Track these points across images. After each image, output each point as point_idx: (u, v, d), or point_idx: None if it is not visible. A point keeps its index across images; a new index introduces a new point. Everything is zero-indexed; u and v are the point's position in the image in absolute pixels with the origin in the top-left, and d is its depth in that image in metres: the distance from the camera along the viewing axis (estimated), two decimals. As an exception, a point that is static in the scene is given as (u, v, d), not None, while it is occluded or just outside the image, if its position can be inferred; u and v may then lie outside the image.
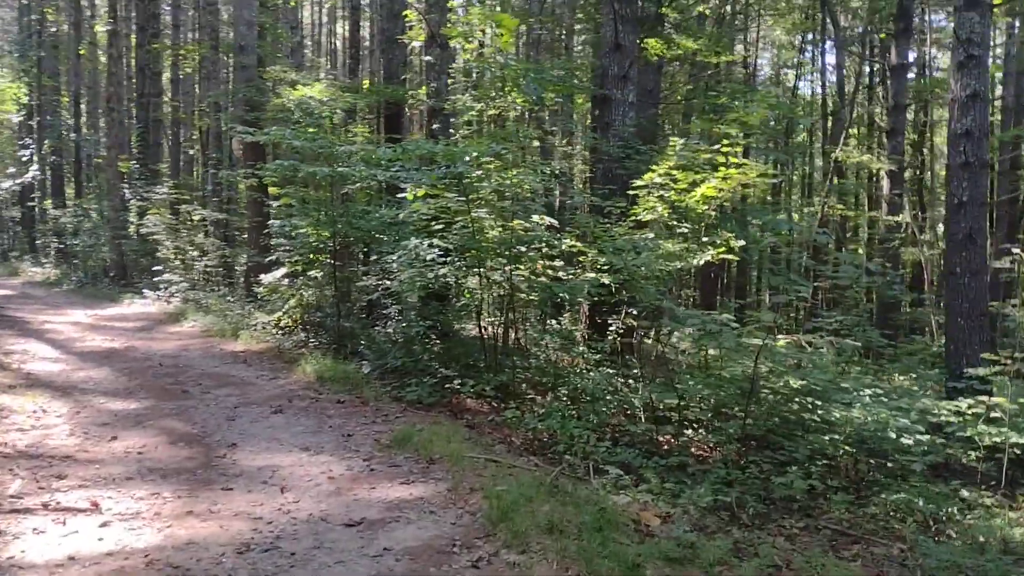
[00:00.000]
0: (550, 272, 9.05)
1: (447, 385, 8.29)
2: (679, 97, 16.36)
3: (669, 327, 9.09)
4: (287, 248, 12.21)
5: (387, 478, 5.62)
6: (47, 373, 9.22)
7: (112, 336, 12.35)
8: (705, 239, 7.83)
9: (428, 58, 14.08)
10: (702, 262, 7.56)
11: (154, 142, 26.90)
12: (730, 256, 7.50)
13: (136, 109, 27.27)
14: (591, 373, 8.36)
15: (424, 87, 14.84)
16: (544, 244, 9.13)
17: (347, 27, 30.77)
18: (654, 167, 8.18)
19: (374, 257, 11.44)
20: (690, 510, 5.37)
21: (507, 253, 8.52)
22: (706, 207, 7.99)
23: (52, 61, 30.00)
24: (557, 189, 9.00)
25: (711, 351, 8.62)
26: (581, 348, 9.16)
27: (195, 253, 18.11)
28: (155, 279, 17.07)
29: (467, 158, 8.19)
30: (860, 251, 21.29)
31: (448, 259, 8.69)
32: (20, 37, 29.81)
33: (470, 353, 9.72)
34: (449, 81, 14.78)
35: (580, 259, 9.35)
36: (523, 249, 8.83)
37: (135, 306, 16.76)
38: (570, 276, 9.09)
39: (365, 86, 18.84)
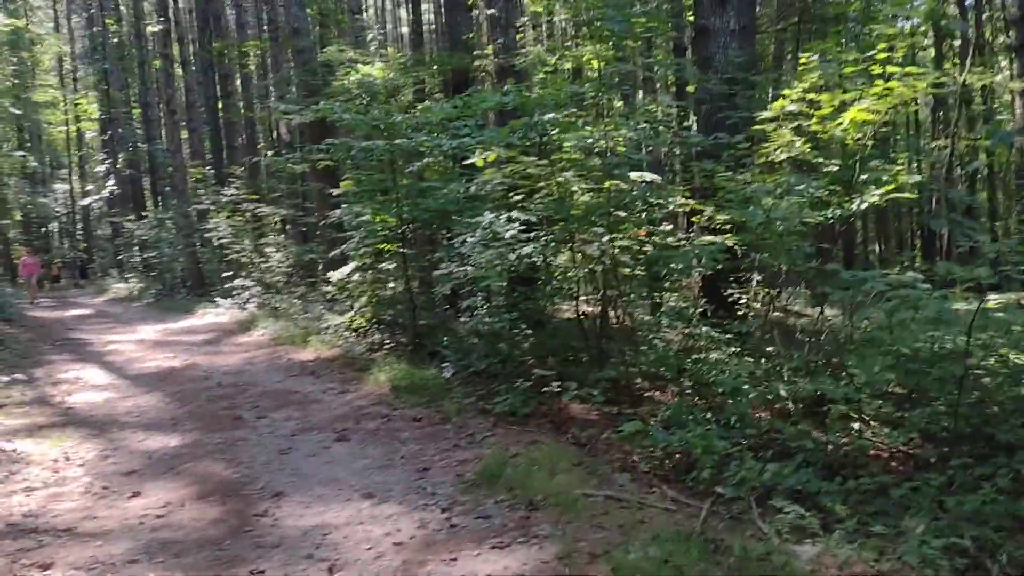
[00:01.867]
0: (656, 239, 7.37)
1: (544, 389, 6.73)
2: (787, 23, 14.20)
3: (810, 293, 7.26)
4: (355, 240, 10.88)
5: (472, 539, 4.09)
6: (89, 406, 8.09)
7: (175, 353, 11.30)
8: (863, 176, 5.96)
9: (492, 11, 12.48)
10: (864, 206, 5.71)
11: (229, 145, 26.30)
12: (903, 195, 5.63)
13: (205, 113, 26.74)
14: (722, 359, 6.65)
15: (490, 45, 13.24)
16: (648, 206, 7.44)
17: (409, 7, 29.47)
18: (786, 92, 6.36)
19: (450, 241, 9.94)
20: (913, 561, 3.65)
21: (603, 221, 6.86)
22: (859, 136, 6.12)
23: (119, 73, 29.78)
24: (663, 136, 7.27)
25: (865, 321, 6.80)
26: (702, 327, 7.43)
27: (271, 255, 17.12)
28: (227, 286, 16.13)
29: (545, 108, 6.55)
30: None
31: (532, 235, 7.09)
32: (86, 50, 29.62)
33: (568, 345, 8.12)
34: (518, 36, 13.15)
35: (694, 219, 7.61)
36: (622, 214, 7.16)
37: (208, 316, 15.84)
38: (682, 241, 7.38)
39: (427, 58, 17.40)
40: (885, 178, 5.72)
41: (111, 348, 12.04)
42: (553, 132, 7.19)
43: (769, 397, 6.13)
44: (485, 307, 8.84)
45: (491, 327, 8.05)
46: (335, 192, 11.20)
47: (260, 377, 9.19)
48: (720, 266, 6.77)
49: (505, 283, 7.40)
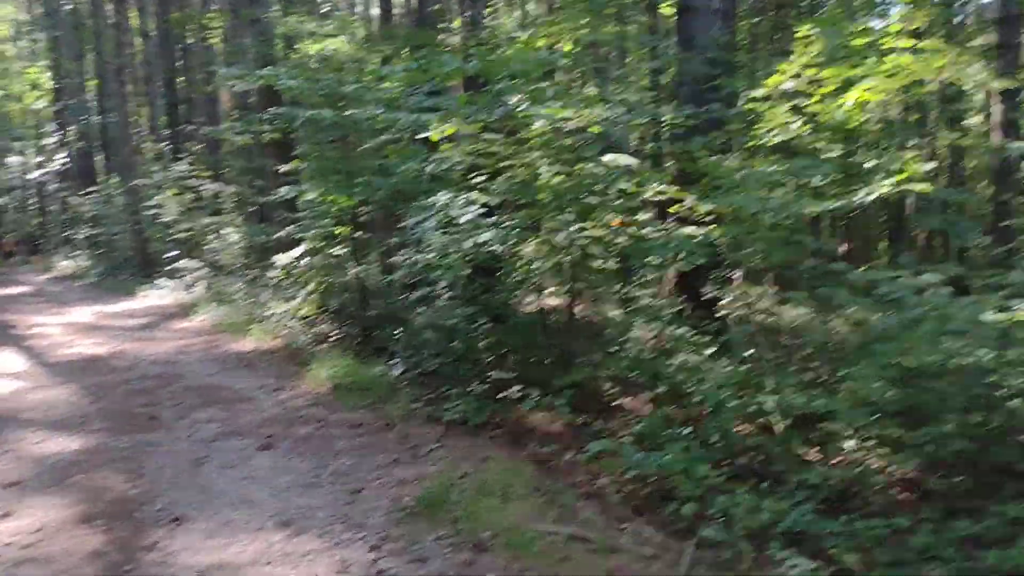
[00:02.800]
0: (632, 230, 6.63)
1: (502, 394, 5.96)
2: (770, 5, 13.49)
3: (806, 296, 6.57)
4: (304, 222, 10.02)
5: (403, 590, 3.32)
6: (-9, 398, 7.18)
7: (105, 338, 10.34)
8: (869, 164, 5.25)
9: (460, -18, 11.66)
10: (873, 198, 5.00)
11: (189, 122, 25.05)
12: (918, 187, 4.92)
13: (163, 87, 25.45)
14: (700, 365, 5.93)
15: (458, 20, 12.43)
16: (623, 193, 6.69)
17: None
18: (782, 66, 5.63)
19: (403, 226, 9.06)
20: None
21: (574, 207, 6.10)
22: (867, 117, 5.42)
23: (74, 42, 28.29)
24: (643, 112, 6.51)
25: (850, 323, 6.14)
26: (680, 328, 6.70)
27: (222, 235, 16.13)
28: (171, 267, 15.13)
29: (512, 76, 5.75)
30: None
31: (494, 221, 6.31)
32: (38, 16, 28.14)
33: (531, 343, 7.36)
34: (487, 10, 12.33)
35: (672, 209, 6.88)
36: (594, 201, 6.40)
37: (149, 299, 14.82)
38: (660, 233, 6.64)
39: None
40: (896, 166, 5.01)
41: (36, 332, 11.03)
42: (520, 106, 6.39)
43: (751, 410, 5.43)
44: (441, 299, 8.03)
45: (444, 322, 7.24)
46: (282, 169, 10.33)
47: (190, 369, 8.31)
48: (702, 261, 6.04)
49: (461, 273, 6.61)
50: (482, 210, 5.93)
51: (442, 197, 5.99)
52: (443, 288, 8.26)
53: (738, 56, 9.27)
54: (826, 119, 5.61)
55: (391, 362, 7.49)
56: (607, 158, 6.46)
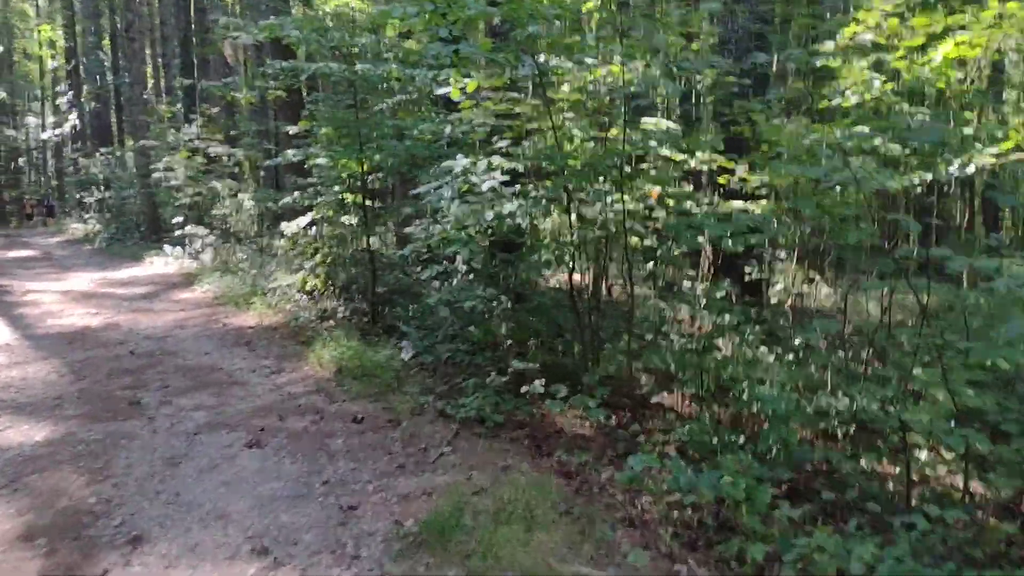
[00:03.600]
0: (670, 202, 5.85)
1: (523, 388, 5.23)
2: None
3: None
4: (311, 189, 9.30)
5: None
6: (-37, 374, 6.55)
7: (100, 308, 9.71)
8: (968, 130, 4.43)
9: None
10: (970, 171, 4.18)
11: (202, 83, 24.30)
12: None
13: (178, 47, 24.69)
14: (751, 360, 5.17)
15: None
16: (667, 160, 5.92)
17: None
18: (860, 14, 4.79)
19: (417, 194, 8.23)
20: None
21: (611, 177, 5.32)
22: (959, 78, 4.59)
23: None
24: (701, 61, 5.67)
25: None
26: (727, 316, 5.92)
27: (232, 201, 15.46)
28: (178, 233, 14.49)
29: (541, 15, 4.93)
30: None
31: (519, 190, 5.54)
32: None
33: (555, 327, 6.64)
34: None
35: (722, 180, 6.08)
36: (627, 169, 5.62)
37: (154, 266, 14.20)
38: (702, 207, 5.85)
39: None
40: (999, 134, 4.19)
41: (29, 299, 10.43)
42: (550, 60, 5.57)
43: (813, 415, 4.67)
44: (457, 277, 7.30)
45: (461, 302, 6.50)
46: (291, 131, 9.58)
47: (184, 346, 7.65)
48: (754, 242, 5.25)
49: (479, 248, 5.87)
50: (505, 177, 5.16)
51: (461, 160, 5.22)
52: (460, 264, 7.54)
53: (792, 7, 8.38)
54: (909, 79, 4.78)
55: (400, 344, 6.78)
56: (647, 121, 5.67)
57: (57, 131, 26.37)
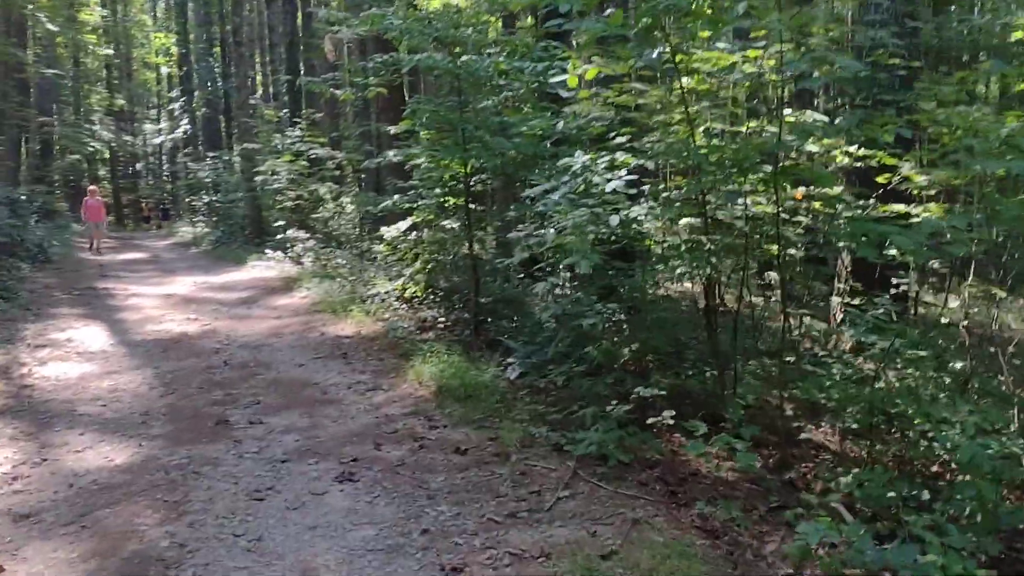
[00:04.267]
0: (818, 205, 5.04)
1: (650, 420, 4.53)
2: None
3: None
4: (412, 192, 8.83)
5: None
6: (55, 383, 6.31)
7: (199, 314, 9.52)
8: None
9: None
10: None
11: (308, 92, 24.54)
12: None
13: (285, 52, 24.99)
14: (927, 394, 4.31)
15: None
16: (813, 157, 5.11)
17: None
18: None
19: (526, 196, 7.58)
20: None
21: (757, 175, 4.56)
22: None
23: (200, 5, 28.35)
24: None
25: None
26: (895, 340, 5.04)
27: (334, 204, 15.31)
28: (279, 237, 14.38)
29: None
30: None
31: (646, 191, 4.84)
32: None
33: (679, 345, 5.90)
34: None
35: (882, 179, 5.22)
36: (768, 168, 4.83)
37: (256, 270, 14.11)
38: (853, 212, 5.00)
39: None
40: None
41: (131, 303, 10.37)
42: (682, 43, 4.84)
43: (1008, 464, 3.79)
44: (566, 287, 6.65)
45: (574, 318, 5.82)
46: (392, 131, 9.15)
47: (279, 356, 7.27)
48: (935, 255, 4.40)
49: (598, 259, 5.20)
50: (631, 177, 4.46)
51: (580, 157, 4.56)
52: (569, 273, 6.88)
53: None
54: None
55: (506, 362, 6.18)
56: (807, 114, 4.88)
57: (170, 136, 27.09)
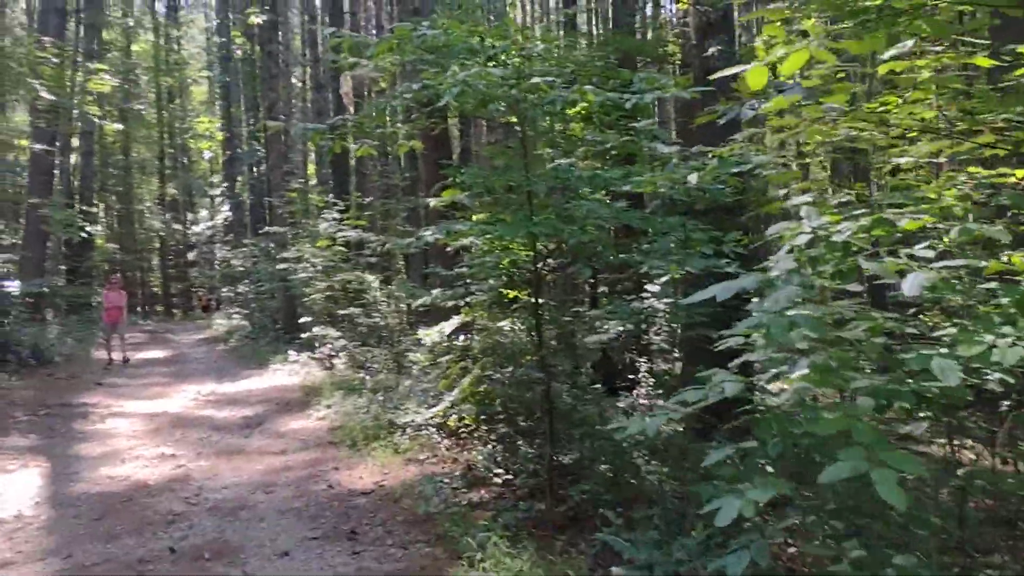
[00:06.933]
0: None
1: None
2: None
3: None
4: (460, 283, 6.49)
5: None
6: None
7: (180, 446, 7.21)
8: None
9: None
10: None
11: (358, 171, 22.88)
12: None
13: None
14: None
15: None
16: None
17: None
18: None
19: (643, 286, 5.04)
20: None
21: None
22: None
23: (241, 88, 27.17)
24: None
25: None
26: None
27: (373, 296, 13.07)
28: (304, 335, 12.15)
29: None
30: None
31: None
32: (209, 61, 27.27)
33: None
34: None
35: None
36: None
37: (278, 374, 11.86)
38: None
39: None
40: None
41: (104, 428, 8.09)
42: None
43: None
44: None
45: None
46: (431, 202, 6.86)
47: (259, 533, 4.84)
48: None
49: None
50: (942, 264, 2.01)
51: (809, 221, 2.12)
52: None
53: None
54: None
55: (609, 571, 3.64)
56: None
57: (208, 224, 25.58)
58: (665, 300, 6.56)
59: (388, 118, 6.20)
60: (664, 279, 6.09)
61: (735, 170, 3.61)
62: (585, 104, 4.52)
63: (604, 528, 3.98)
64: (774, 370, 2.29)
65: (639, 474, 5.03)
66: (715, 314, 5.19)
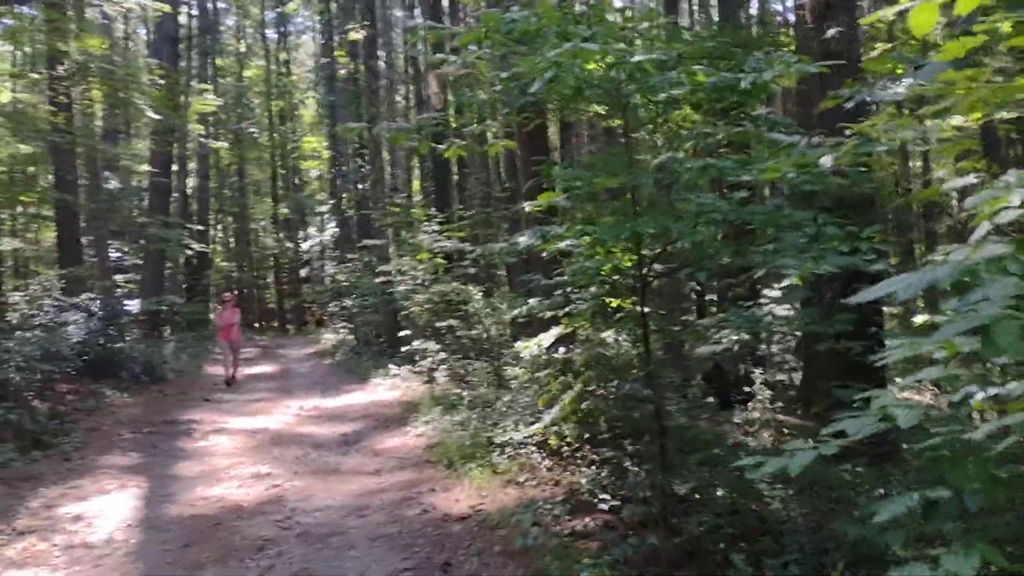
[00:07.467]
0: None
1: None
2: None
3: None
4: (559, 292, 6.05)
5: None
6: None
7: (277, 464, 7.04)
8: None
9: None
10: None
11: (460, 186, 22.90)
12: None
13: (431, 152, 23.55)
14: None
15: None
16: None
17: None
18: None
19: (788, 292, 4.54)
20: None
21: None
22: None
23: (350, 108, 27.64)
24: None
25: None
26: None
27: (475, 309, 12.79)
28: (404, 349, 11.95)
29: None
30: None
31: None
32: (314, 82, 27.86)
33: None
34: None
35: None
36: None
37: (379, 389, 11.69)
38: None
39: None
40: None
41: (205, 445, 8.02)
42: None
43: None
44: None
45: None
46: (526, 207, 6.45)
47: (347, 564, 4.51)
48: None
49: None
50: None
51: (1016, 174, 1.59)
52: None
53: None
54: None
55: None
56: None
57: (315, 240, 26.05)
58: (786, 306, 5.96)
59: (479, 116, 5.81)
60: (786, 283, 5.49)
61: (881, 148, 3.03)
62: (693, 88, 4.01)
63: (729, 572, 3.44)
64: (980, 393, 1.74)
65: (761, 499, 4.48)
66: (849, 321, 4.56)
